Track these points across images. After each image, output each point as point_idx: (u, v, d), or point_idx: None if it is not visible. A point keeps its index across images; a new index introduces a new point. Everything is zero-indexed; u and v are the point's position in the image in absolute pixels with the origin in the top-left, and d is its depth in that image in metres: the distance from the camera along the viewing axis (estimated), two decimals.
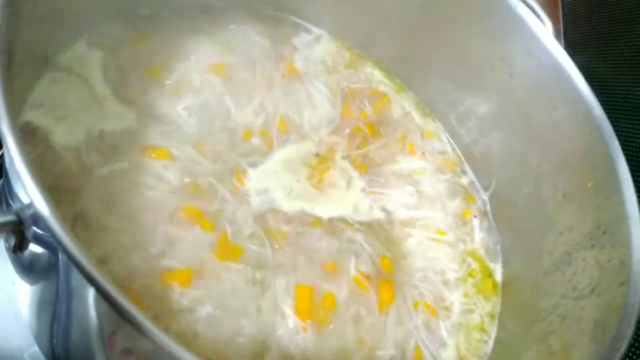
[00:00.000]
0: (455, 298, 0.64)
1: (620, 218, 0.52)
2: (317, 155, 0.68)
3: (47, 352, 0.51)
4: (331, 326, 0.53)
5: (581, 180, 0.59)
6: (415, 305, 0.60)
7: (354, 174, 0.68)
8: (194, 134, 0.61)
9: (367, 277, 0.58)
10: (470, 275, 0.67)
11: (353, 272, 0.58)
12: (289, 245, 0.57)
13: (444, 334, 0.61)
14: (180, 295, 0.49)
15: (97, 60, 0.63)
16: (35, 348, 0.52)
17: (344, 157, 0.69)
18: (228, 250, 0.54)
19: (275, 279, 0.54)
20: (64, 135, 0.55)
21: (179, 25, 0.71)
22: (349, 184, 0.67)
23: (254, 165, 0.63)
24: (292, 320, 0.52)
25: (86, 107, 0.58)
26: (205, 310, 0.49)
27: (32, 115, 0.55)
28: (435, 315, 0.61)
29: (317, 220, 0.61)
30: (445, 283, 0.65)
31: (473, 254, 0.69)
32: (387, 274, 0.61)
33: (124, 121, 0.59)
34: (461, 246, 0.69)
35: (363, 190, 0.67)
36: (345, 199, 0.65)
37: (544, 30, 0.64)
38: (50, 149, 0.54)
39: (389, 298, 0.59)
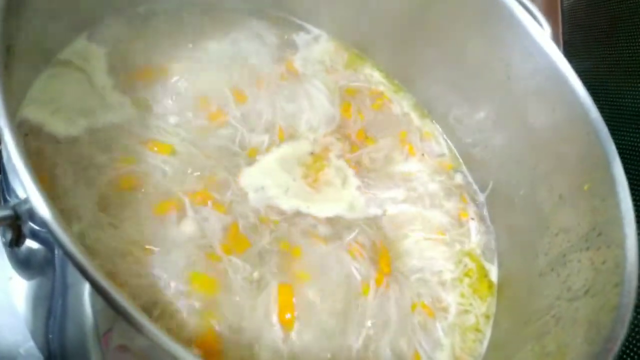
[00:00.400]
0: (452, 299, 0.64)
1: (616, 220, 0.52)
2: (312, 153, 0.68)
3: (43, 348, 0.51)
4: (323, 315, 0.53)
5: (577, 182, 0.59)
6: (413, 307, 0.61)
7: (349, 172, 0.68)
8: (193, 138, 0.62)
9: (363, 245, 0.59)
10: (466, 275, 0.67)
11: (348, 240, 0.59)
12: (284, 233, 0.58)
13: (440, 334, 0.61)
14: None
15: (97, 56, 0.63)
16: (31, 343, 0.52)
17: (339, 157, 0.69)
18: (236, 243, 0.55)
19: (272, 278, 0.54)
20: (61, 128, 0.55)
21: (179, 24, 0.71)
22: (344, 182, 0.67)
23: (250, 163, 0.63)
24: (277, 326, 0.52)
25: (86, 101, 0.58)
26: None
27: (31, 110, 0.55)
28: (432, 317, 0.61)
29: (314, 219, 0.62)
30: (442, 284, 0.65)
31: (469, 254, 0.69)
32: (384, 249, 0.61)
33: (123, 115, 0.59)
34: (457, 246, 0.69)
35: (359, 188, 0.67)
36: (341, 196, 0.65)
37: (542, 33, 0.64)
38: (47, 143, 0.54)
39: (388, 270, 0.60)
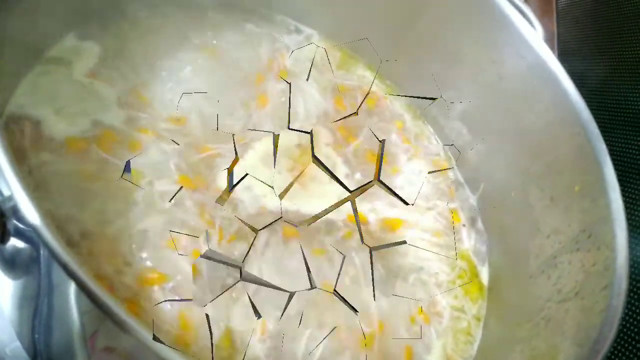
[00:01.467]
0: (446, 302, 0.64)
1: (606, 221, 0.52)
2: (299, 145, 0.67)
3: (29, 348, 0.51)
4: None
5: (568, 183, 0.59)
6: (412, 320, 0.60)
7: (338, 160, 0.68)
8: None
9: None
10: (459, 277, 0.67)
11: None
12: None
13: (434, 337, 0.61)
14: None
15: (90, 53, 0.63)
16: (17, 343, 0.51)
17: (327, 144, 0.68)
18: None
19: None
20: (55, 124, 0.55)
21: (173, 25, 0.71)
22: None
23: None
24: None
25: (75, 98, 0.58)
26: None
27: (18, 106, 0.55)
28: (428, 323, 0.61)
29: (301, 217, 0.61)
30: (439, 286, 0.65)
31: (462, 255, 0.69)
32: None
33: (117, 112, 0.59)
34: (451, 249, 0.69)
35: (347, 176, 0.67)
36: (328, 192, 0.64)
37: (533, 34, 0.64)
38: (39, 138, 0.54)
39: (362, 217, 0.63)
